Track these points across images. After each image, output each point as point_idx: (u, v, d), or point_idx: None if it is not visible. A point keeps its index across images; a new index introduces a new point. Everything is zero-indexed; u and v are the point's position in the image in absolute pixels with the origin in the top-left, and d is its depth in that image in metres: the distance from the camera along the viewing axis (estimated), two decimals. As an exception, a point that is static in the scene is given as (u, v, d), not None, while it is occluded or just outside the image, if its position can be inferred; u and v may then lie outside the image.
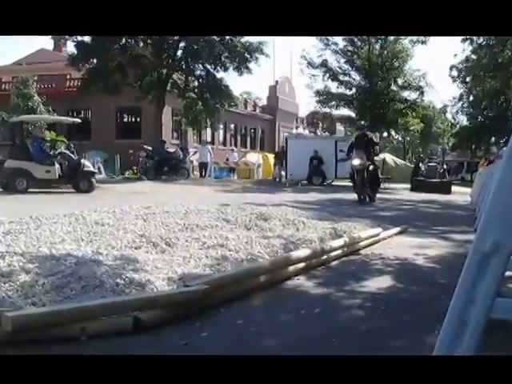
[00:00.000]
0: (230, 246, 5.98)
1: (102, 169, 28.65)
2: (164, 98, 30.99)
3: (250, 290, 5.00)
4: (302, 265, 5.93)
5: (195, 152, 31.60)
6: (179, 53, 31.38)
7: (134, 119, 39.88)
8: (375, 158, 17.00)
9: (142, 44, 31.09)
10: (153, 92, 30.81)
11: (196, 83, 32.41)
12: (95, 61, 30.38)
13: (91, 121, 38.04)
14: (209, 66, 31.45)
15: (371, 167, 16.17)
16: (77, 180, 18.38)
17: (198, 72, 32.15)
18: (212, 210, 8.29)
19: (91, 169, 19.57)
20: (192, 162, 30.24)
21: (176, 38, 29.91)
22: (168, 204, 8.69)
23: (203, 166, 30.11)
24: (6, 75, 39.77)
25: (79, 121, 21.77)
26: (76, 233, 6.00)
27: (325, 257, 6.54)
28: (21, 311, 3.62)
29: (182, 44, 30.86)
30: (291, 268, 5.75)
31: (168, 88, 31.20)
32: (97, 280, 4.33)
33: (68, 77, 38.56)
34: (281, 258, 5.90)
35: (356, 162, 15.89)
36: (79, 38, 30.14)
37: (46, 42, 46.59)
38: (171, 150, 28.58)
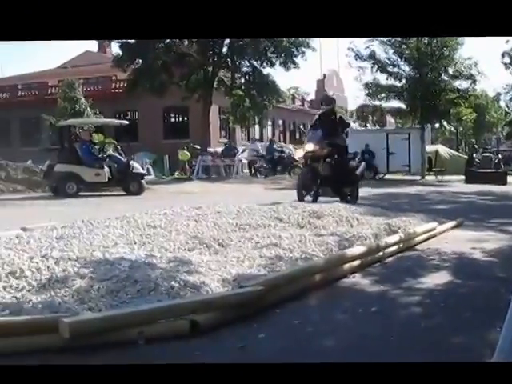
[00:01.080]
0: (283, 245, 5.92)
1: (151, 170, 28.81)
2: (211, 96, 30.98)
3: (306, 289, 4.94)
4: (357, 262, 5.86)
5: (244, 150, 31.59)
6: (224, 50, 31.35)
7: (181, 119, 39.90)
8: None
9: (186, 42, 31.07)
10: (199, 91, 30.85)
11: (243, 80, 32.35)
12: (140, 61, 30.57)
13: (138, 122, 38.06)
14: (255, 63, 31.43)
15: (335, 157, 11.70)
16: (126, 182, 18.49)
17: (245, 69, 32.12)
18: (264, 208, 8.22)
19: (140, 170, 19.70)
20: (241, 160, 30.17)
21: (221, 35, 29.82)
22: (219, 204, 8.67)
23: (253, 163, 30.02)
24: (52, 79, 40.24)
25: (126, 122, 21.99)
26: (128, 236, 6.01)
27: (380, 253, 6.44)
28: (77, 317, 3.63)
29: (227, 41, 30.72)
30: (346, 266, 5.69)
31: (214, 86, 31.22)
32: (151, 283, 4.32)
33: (114, 78, 38.72)
34: (335, 255, 5.85)
35: (309, 146, 11.63)
36: (123, 38, 30.41)
37: (90, 44, 47.15)
38: (281, 149, 29.07)
